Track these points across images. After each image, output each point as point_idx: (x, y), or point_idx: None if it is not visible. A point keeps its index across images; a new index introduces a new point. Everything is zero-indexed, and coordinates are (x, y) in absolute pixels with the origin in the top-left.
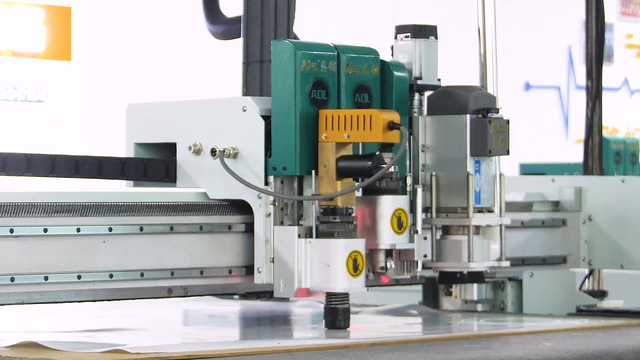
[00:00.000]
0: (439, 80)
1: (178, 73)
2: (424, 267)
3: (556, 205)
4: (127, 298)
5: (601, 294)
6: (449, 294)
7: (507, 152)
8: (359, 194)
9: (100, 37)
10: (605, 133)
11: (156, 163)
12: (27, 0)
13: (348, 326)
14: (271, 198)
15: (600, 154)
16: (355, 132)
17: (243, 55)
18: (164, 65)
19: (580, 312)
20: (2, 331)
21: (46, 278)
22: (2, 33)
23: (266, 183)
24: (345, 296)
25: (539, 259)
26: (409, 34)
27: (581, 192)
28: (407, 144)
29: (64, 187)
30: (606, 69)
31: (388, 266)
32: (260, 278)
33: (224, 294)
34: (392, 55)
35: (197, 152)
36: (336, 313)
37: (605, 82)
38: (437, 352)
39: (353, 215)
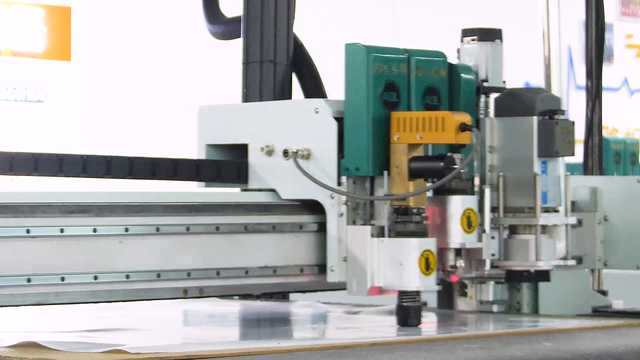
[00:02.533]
0: (504, 82)
1: (178, 73)
2: (492, 266)
3: (572, 206)
4: (144, 299)
5: (601, 294)
6: (464, 294)
7: (573, 153)
8: (429, 194)
9: (100, 37)
10: (605, 133)
11: (229, 164)
12: (27, 0)
13: (420, 323)
14: (343, 198)
15: (600, 154)
16: (427, 134)
17: (243, 55)
18: (164, 65)
19: (596, 313)
20: (2, 331)
21: (63, 279)
22: (2, 33)
23: (339, 184)
24: (417, 294)
25: None
26: (475, 37)
27: (597, 192)
28: (480, 145)
29: (80, 187)
30: (606, 69)
31: (457, 265)
32: (333, 277)
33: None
34: (458, 58)
35: (270, 153)
36: (408, 311)
37: (605, 82)
38: (437, 352)
39: (424, 215)
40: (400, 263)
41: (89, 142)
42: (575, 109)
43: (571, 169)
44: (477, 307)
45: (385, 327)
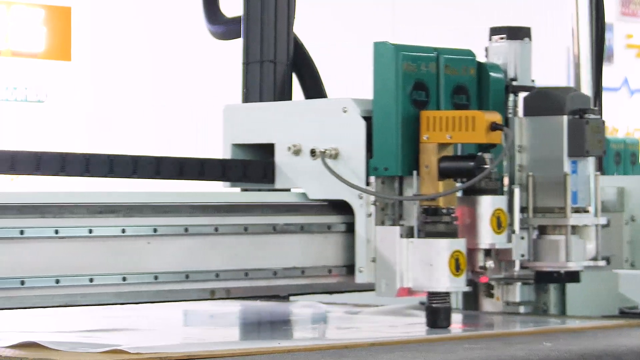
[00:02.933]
0: (533, 81)
1: (178, 73)
2: (522, 267)
3: None
4: (171, 300)
5: None
6: (490, 295)
7: (604, 153)
8: (458, 194)
9: (100, 37)
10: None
11: (255, 164)
12: (27, 0)
13: (449, 325)
14: (372, 198)
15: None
16: (457, 133)
17: (243, 55)
18: (164, 65)
19: (623, 314)
20: (2, 331)
21: (91, 280)
22: (2, 33)
23: (367, 184)
24: (446, 295)
25: None
26: (503, 36)
27: (624, 192)
28: (511, 145)
29: (110, 188)
30: (606, 69)
31: (487, 266)
32: (362, 277)
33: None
34: (487, 56)
35: (297, 152)
36: (438, 313)
37: (605, 82)
38: (437, 352)
39: (454, 215)
40: (430, 264)
41: (89, 142)
42: None
43: None
44: (503, 308)
45: (385, 327)
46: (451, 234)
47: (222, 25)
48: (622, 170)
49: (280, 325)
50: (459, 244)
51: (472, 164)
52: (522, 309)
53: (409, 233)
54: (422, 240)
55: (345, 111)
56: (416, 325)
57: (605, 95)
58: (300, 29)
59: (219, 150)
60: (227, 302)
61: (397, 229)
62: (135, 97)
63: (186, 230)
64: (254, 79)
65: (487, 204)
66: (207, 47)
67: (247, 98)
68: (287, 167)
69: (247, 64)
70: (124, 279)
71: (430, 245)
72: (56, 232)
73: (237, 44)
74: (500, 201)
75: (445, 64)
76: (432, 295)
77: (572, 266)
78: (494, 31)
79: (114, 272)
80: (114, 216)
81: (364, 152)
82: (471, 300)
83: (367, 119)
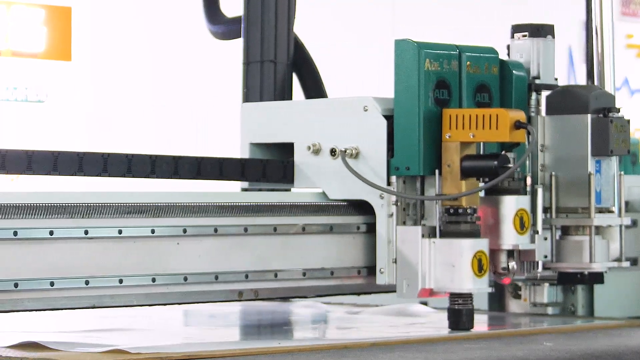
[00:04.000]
0: (556, 79)
1: (178, 73)
2: (544, 268)
3: (625, 206)
4: (200, 301)
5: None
6: (517, 296)
7: (628, 152)
8: (481, 193)
9: (100, 37)
10: None
11: (274, 164)
12: (27, 0)
13: (472, 327)
14: (393, 198)
15: None
16: (480, 132)
17: (243, 55)
18: (164, 65)
19: None
20: (2, 331)
21: (121, 281)
22: (2, 33)
23: (388, 183)
24: (469, 297)
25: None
26: (526, 33)
27: None
28: (535, 144)
29: (139, 188)
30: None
31: (510, 267)
32: (383, 279)
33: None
34: (509, 54)
35: (316, 152)
36: (460, 314)
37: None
38: (437, 352)
39: (477, 215)
40: (452, 264)
41: (89, 142)
42: None
43: None
44: (530, 309)
45: (386, 327)
46: (474, 234)
47: (222, 25)
48: (622, 170)
49: (281, 325)
50: (482, 244)
51: (495, 163)
52: (549, 310)
53: (431, 233)
54: (444, 240)
55: (366, 110)
56: (416, 325)
57: None
58: (300, 29)
59: (219, 149)
60: (227, 302)
61: (418, 229)
62: (135, 97)
63: (215, 230)
64: (254, 79)
65: (510, 204)
66: (207, 47)
67: (247, 98)
68: (307, 167)
69: (247, 64)
70: (153, 280)
71: (453, 246)
72: (86, 232)
73: (237, 44)
74: (523, 201)
75: (468, 62)
76: (454, 296)
77: (596, 267)
78: (517, 28)
79: (144, 273)
80: (143, 216)
81: (385, 151)
82: (497, 301)
83: (388, 117)
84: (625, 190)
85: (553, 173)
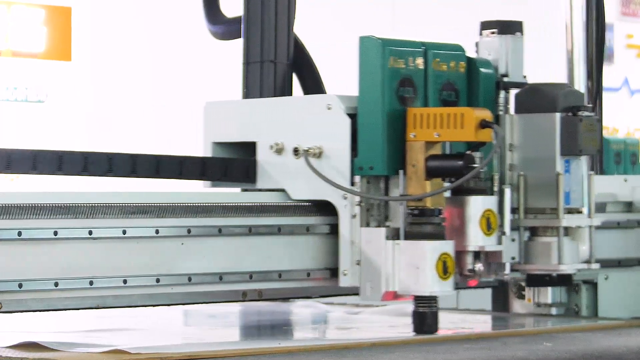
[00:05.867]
0: (525, 77)
1: (178, 73)
2: (512, 270)
3: (629, 206)
4: (204, 302)
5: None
6: (521, 297)
7: (598, 152)
8: (446, 194)
9: (100, 37)
10: (605, 133)
11: (236, 163)
12: (27, 0)
13: (437, 330)
14: (357, 198)
15: (600, 154)
16: (445, 131)
17: (243, 55)
18: (164, 65)
19: None
20: (2, 331)
21: (125, 281)
22: (2, 33)
23: (352, 183)
24: (433, 299)
25: (615, 262)
26: (495, 30)
27: None
28: (502, 143)
29: (143, 188)
30: (606, 69)
31: (476, 269)
32: (346, 281)
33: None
34: (477, 52)
35: (279, 151)
36: (424, 317)
37: (605, 82)
38: (437, 352)
39: (442, 216)
40: (417, 267)
41: (89, 142)
42: None
43: None
44: (534, 309)
45: (385, 327)
46: (439, 235)
47: (222, 25)
48: (623, 170)
49: (281, 325)
50: (447, 246)
51: (460, 162)
52: (554, 311)
53: (395, 235)
54: (408, 242)
55: (329, 108)
56: None
57: (605, 95)
58: (300, 29)
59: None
60: (227, 302)
61: (382, 230)
62: (135, 97)
63: (220, 231)
64: (254, 79)
65: (477, 205)
66: (207, 47)
67: (247, 98)
68: (270, 166)
69: (247, 64)
70: (158, 280)
71: (417, 248)
72: (90, 233)
73: (237, 44)
74: (490, 202)
75: (434, 59)
76: (418, 299)
77: (564, 269)
78: (485, 25)
79: (148, 273)
80: (147, 217)
81: (348, 150)
82: (501, 302)
83: (353, 116)
84: (630, 190)
85: (521, 173)
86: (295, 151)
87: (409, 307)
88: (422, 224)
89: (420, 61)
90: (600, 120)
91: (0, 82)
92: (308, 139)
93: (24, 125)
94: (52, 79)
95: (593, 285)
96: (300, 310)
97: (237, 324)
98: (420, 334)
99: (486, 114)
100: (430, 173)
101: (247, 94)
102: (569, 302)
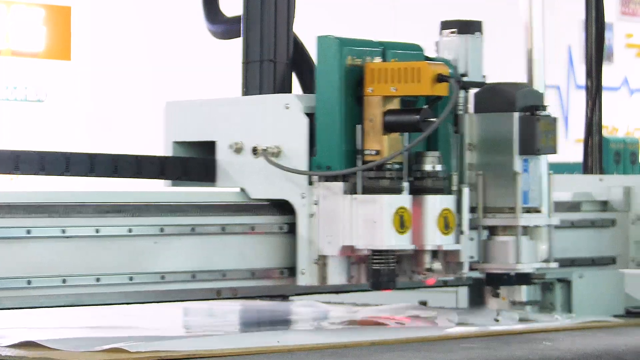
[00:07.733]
0: (484, 77)
1: (178, 73)
2: (471, 269)
3: (604, 205)
4: (177, 300)
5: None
6: (497, 295)
7: (556, 151)
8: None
9: (100, 37)
10: (605, 133)
11: (196, 162)
12: (27, 0)
13: (394, 287)
14: (314, 197)
15: (600, 154)
16: (402, 85)
17: (243, 55)
18: (164, 65)
19: (629, 314)
20: (2, 330)
21: (98, 279)
22: (2, 33)
23: (310, 182)
24: (390, 255)
25: (588, 260)
26: (454, 30)
27: (630, 191)
28: (457, 98)
29: (119, 187)
30: (606, 69)
31: (434, 268)
32: (304, 280)
33: (270, 296)
34: (437, 51)
35: (238, 150)
36: (379, 274)
37: (605, 82)
38: (437, 352)
39: (400, 172)
40: (374, 221)
41: (89, 142)
42: (576, 109)
43: (571, 168)
44: (509, 307)
45: (385, 327)
46: (396, 190)
47: (222, 25)
48: (622, 169)
49: (281, 324)
50: (403, 200)
51: (417, 117)
52: (528, 309)
53: (352, 190)
54: (365, 196)
55: (287, 107)
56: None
57: (605, 95)
58: (300, 28)
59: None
60: (227, 301)
61: (340, 185)
62: (135, 96)
63: (193, 229)
64: (253, 79)
65: (434, 204)
66: (207, 47)
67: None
68: (229, 166)
69: (247, 63)
70: (131, 278)
71: (374, 202)
72: (63, 231)
73: (237, 44)
74: (448, 201)
75: (392, 59)
76: (375, 253)
77: (522, 268)
78: (445, 25)
79: (121, 271)
80: (121, 216)
81: (306, 149)
82: (476, 300)
83: (311, 115)
84: (604, 189)
85: (480, 172)
86: (254, 150)
87: (409, 306)
88: (378, 179)
89: (378, 60)
90: (554, 119)
91: (0, 82)
92: (267, 138)
93: (24, 125)
94: (51, 78)
95: (567, 283)
96: (300, 309)
97: (237, 323)
98: (376, 289)
99: (443, 69)
100: (388, 127)
101: (247, 93)
102: (544, 300)
